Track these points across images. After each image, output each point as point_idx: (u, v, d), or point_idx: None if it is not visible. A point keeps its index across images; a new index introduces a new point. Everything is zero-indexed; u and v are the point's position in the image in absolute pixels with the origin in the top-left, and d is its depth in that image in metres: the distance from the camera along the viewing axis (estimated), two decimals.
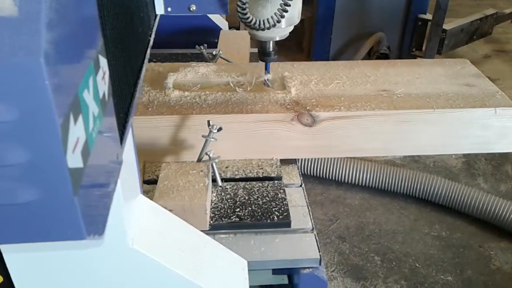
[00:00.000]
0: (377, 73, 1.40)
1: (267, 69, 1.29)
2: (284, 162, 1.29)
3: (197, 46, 1.47)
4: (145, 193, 1.14)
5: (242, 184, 1.19)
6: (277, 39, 1.21)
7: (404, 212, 2.61)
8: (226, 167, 1.24)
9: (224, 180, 1.20)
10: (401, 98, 1.27)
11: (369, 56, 3.55)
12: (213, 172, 1.15)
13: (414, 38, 3.58)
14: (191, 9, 0.97)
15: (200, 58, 1.54)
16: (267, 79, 1.30)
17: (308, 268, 1.05)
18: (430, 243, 2.43)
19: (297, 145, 1.25)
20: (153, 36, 0.90)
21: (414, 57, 3.61)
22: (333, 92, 1.30)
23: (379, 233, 2.49)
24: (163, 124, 1.19)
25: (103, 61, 0.52)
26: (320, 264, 1.04)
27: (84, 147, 0.45)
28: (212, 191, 1.15)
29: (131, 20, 0.71)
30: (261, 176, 1.22)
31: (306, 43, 4.09)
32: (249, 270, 1.13)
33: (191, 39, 1.70)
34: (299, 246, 1.06)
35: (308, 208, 1.16)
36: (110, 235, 0.70)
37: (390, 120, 1.22)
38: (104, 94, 0.52)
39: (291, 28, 1.20)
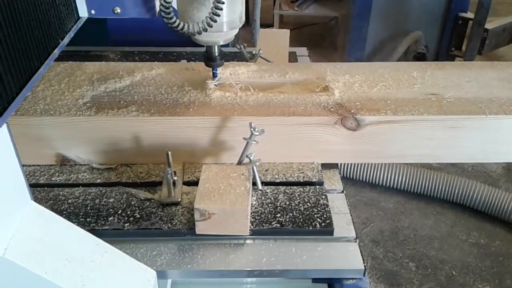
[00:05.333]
0: (424, 75, 1.34)
1: (214, 75, 1.26)
2: (325, 166, 1.25)
3: (237, 45, 1.44)
4: (185, 195, 1.13)
5: (282, 188, 1.16)
6: (222, 43, 1.16)
7: (440, 218, 2.54)
8: (266, 170, 1.21)
9: (264, 183, 1.17)
10: (451, 103, 1.21)
11: (405, 55, 3.46)
12: (254, 175, 1.13)
13: (453, 38, 3.47)
14: (116, 11, 0.95)
15: (239, 57, 1.51)
16: (216, 84, 1.27)
17: (352, 279, 1.01)
18: (467, 251, 2.36)
19: (339, 150, 1.21)
20: (67, 38, 0.88)
21: (453, 57, 3.50)
22: (379, 95, 1.25)
23: (414, 238, 2.42)
24: (203, 125, 1.17)
25: None
26: (364, 275, 1.00)
27: None
28: (252, 195, 1.12)
29: (14, 22, 0.69)
30: (302, 180, 1.18)
31: (340, 42, 4.03)
32: (289, 278, 1.11)
33: None
34: (342, 255, 1.02)
35: (351, 215, 1.12)
36: None
37: (439, 125, 1.17)
38: None
39: (234, 32, 1.14)
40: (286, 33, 1.73)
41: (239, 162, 1.15)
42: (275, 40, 1.69)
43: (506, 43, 3.55)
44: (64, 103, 1.21)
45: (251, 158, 1.12)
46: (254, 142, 1.11)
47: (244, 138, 1.11)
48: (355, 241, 1.06)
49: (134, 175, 1.19)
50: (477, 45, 3.25)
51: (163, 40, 1.80)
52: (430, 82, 1.31)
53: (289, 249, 1.03)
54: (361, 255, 1.02)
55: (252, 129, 1.10)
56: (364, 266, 1.00)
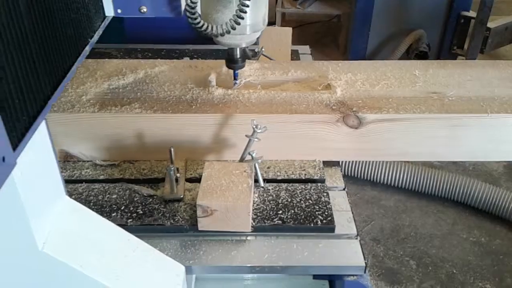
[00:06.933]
0: (426, 74, 1.34)
1: (235, 77, 1.26)
2: (327, 164, 1.26)
3: None
4: (187, 191, 1.13)
5: (284, 185, 1.17)
6: (244, 46, 1.16)
7: (441, 216, 2.54)
8: (268, 168, 1.22)
9: (266, 181, 1.17)
10: (452, 101, 1.22)
11: (407, 54, 3.46)
12: (255, 172, 1.13)
13: (455, 36, 3.47)
14: (142, 10, 0.95)
15: None
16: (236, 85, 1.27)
17: (353, 275, 1.02)
18: (468, 249, 2.36)
19: (341, 147, 1.22)
20: (96, 36, 0.89)
21: (455, 56, 3.50)
22: (381, 93, 1.25)
23: (415, 237, 2.43)
24: (206, 122, 1.17)
25: None
26: (365, 272, 1.01)
27: None
28: (254, 192, 1.13)
29: (48, 21, 0.70)
30: (303, 178, 1.19)
31: (342, 40, 4.03)
32: (291, 274, 1.12)
33: None
34: (343, 252, 1.03)
35: (352, 213, 1.13)
36: (14, 238, 0.71)
37: (441, 124, 1.17)
38: None
39: (257, 34, 1.14)
40: (288, 31, 1.73)
41: (241, 159, 1.15)
42: (277, 38, 1.69)
43: (508, 42, 3.54)
44: (67, 99, 1.22)
45: (253, 155, 1.12)
46: (256, 140, 1.11)
47: (246, 136, 1.12)
48: (356, 238, 1.06)
49: (137, 172, 1.20)
50: (479, 44, 3.24)
51: (180, 38, 1.80)
52: (432, 80, 1.31)
53: (290, 246, 1.04)
54: (362, 252, 1.03)
55: (254, 127, 1.10)
56: (365, 262, 1.01)
